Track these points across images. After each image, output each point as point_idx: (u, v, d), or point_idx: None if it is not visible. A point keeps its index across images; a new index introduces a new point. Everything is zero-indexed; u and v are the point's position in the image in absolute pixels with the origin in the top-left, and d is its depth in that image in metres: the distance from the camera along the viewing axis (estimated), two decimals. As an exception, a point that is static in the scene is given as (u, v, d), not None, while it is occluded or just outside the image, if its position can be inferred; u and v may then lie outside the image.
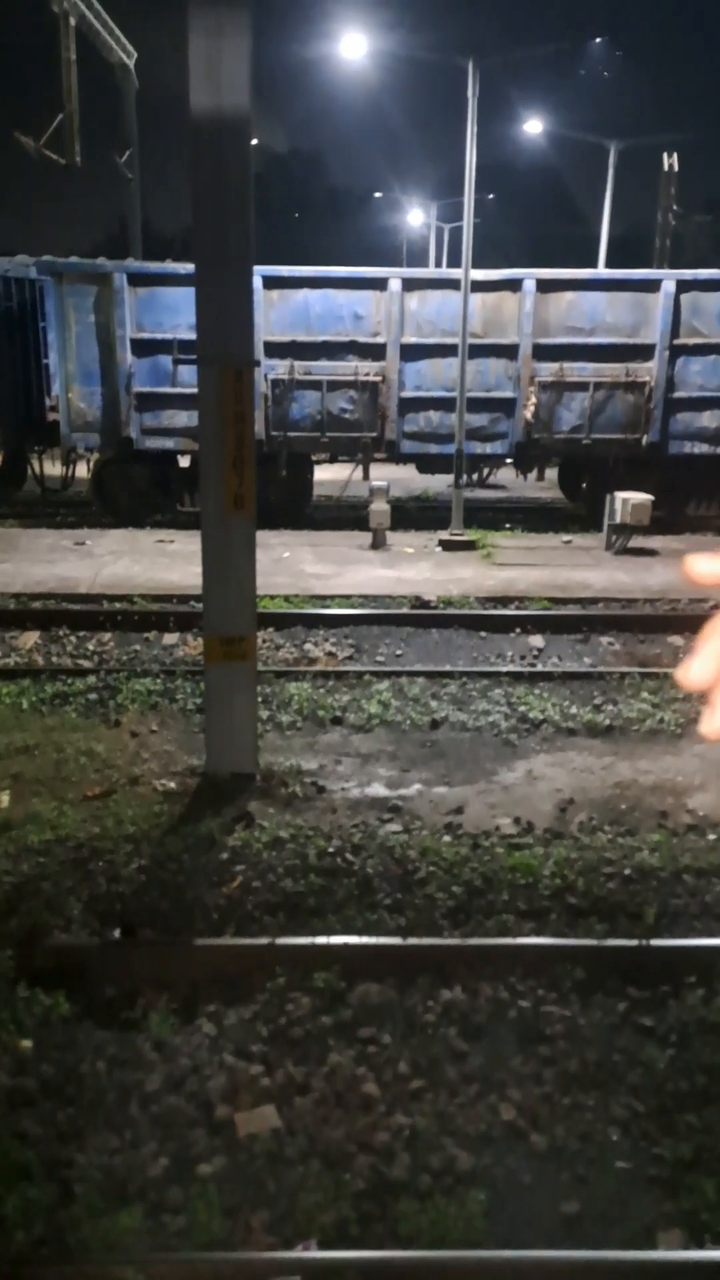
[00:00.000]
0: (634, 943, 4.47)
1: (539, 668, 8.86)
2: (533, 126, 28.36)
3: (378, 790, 6.31)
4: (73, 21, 17.58)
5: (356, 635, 9.64)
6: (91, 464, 15.56)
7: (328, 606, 10.32)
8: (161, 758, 6.72)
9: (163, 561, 12.11)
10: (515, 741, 7.16)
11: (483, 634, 9.80)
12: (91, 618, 9.88)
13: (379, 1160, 3.43)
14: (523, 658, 9.21)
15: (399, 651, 9.28)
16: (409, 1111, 3.64)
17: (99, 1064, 3.82)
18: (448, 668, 8.67)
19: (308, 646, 9.32)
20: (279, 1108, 3.65)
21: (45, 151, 17.31)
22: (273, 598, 10.34)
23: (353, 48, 16.69)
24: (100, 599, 10.51)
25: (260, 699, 7.32)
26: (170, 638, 9.56)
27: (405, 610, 10.33)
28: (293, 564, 12.18)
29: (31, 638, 9.44)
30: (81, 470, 16.26)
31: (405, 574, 11.84)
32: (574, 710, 7.70)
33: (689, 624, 9.88)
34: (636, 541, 13.23)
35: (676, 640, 9.60)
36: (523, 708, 7.72)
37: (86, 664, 8.76)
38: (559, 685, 8.35)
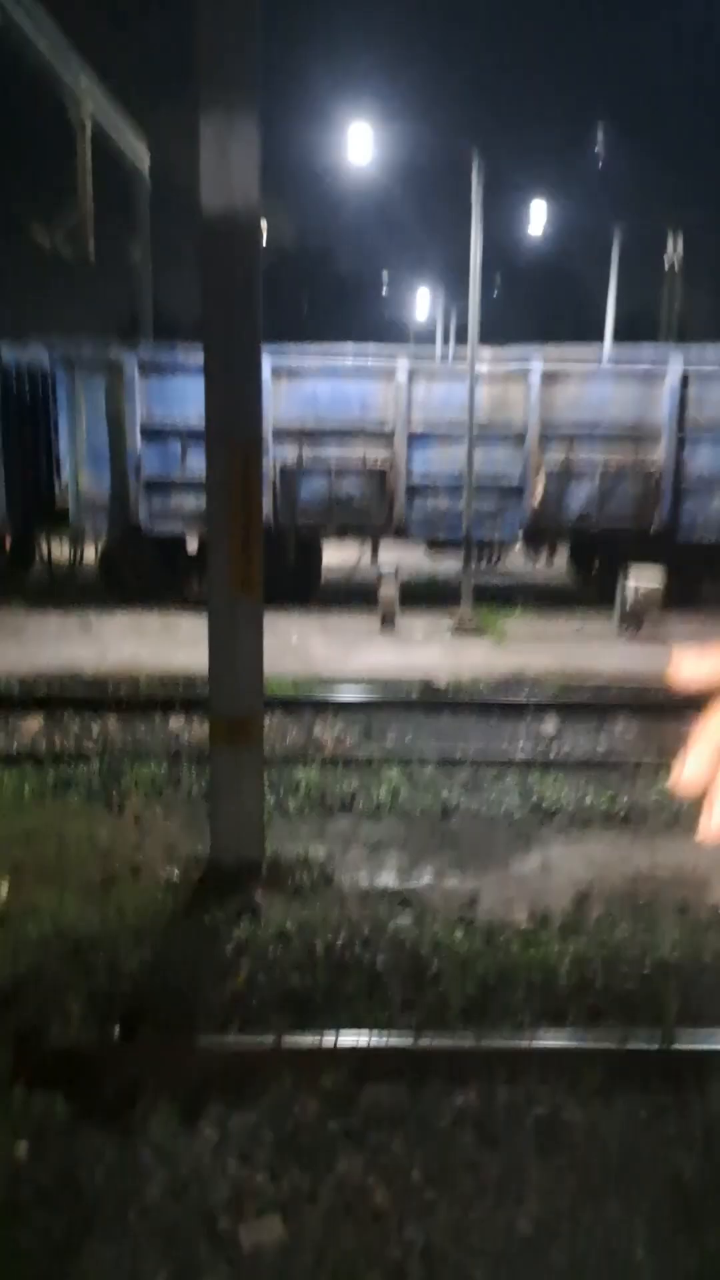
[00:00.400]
0: (656, 1046, 4.27)
1: (552, 754, 8.73)
2: (538, 209, 29.22)
3: (388, 880, 6.15)
4: (89, 128, 18.31)
5: (366, 719, 9.54)
6: (99, 547, 15.68)
7: (336, 690, 10.25)
8: (165, 845, 6.57)
9: (169, 644, 12.09)
10: (529, 830, 7.00)
11: (494, 719, 9.69)
12: (97, 701, 9.81)
13: (391, 1277, 3.21)
14: (535, 744, 9.09)
15: (409, 736, 9.16)
16: (422, 1224, 3.43)
17: (97, 1170, 3.63)
18: (459, 754, 8.55)
19: (316, 730, 9.21)
20: (285, 1218, 3.44)
21: (61, 249, 17.86)
22: (281, 681, 10.27)
23: (359, 147, 17.29)
24: (106, 682, 10.45)
25: (267, 784, 7.20)
26: (176, 721, 9.47)
27: (415, 695, 10.25)
28: (301, 647, 12.15)
29: (36, 723, 9.35)
30: (89, 553, 16.38)
31: (415, 658, 11.79)
32: (589, 799, 7.55)
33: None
34: (648, 624, 13.17)
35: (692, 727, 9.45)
36: (536, 795, 7.57)
37: (91, 747, 8.66)
38: (573, 772, 8.21)
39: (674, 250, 27.84)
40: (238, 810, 6.08)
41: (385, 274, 50.32)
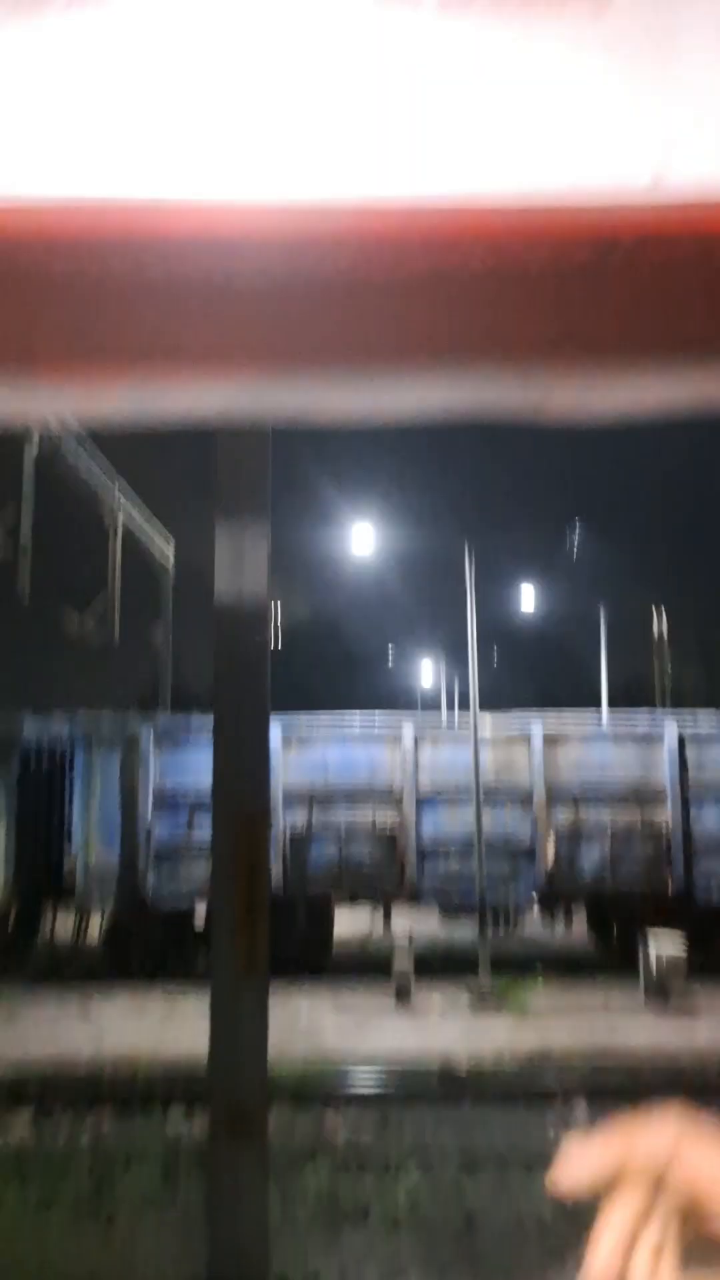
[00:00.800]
0: None
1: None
2: (528, 592, 31.52)
3: None
4: (120, 530, 20.36)
5: (381, 1110, 8.76)
6: (105, 922, 15.28)
7: (349, 1077, 9.51)
8: (156, 1267, 5.80)
9: (172, 1027, 11.40)
10: (564, 1243, 6.18)
11: (520, 1109, 8.89)
12: (90, 1093, 9.09)
13: None
14: (568, 1136, 8.26)
15: (429, 1131, 8.36)
16: None
17: None
18: (483, 1151, 7.76)
19: (326, 1124, 8.44)
20: None
21: (89, 633, 19.16)
22: (289, 1065, 9.57)
23: (362, 540, 19.15)
24: (101, 1073, 9.75)
25: (272, 1187, 6.48)
26: (175, 1116, 8.71)
27: (434, 1082, 9.49)
28: (312, 1025, 11.45)
29: (21, 1120, 8.61)
30: (94, 928, 15.94)
31: (432, 1036, 11.06)
32: (629, 1200, 6.74)
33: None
34: (676, 994, 12.47)
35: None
36: (571, 1200, 6.77)
37: (81, 1145, 7.89)
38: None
39: (659, 624, 29.75)
40: (239, 1221, 5.40)
41: (391, 647, 53.27)
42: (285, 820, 14.42)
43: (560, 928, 16.26)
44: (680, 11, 0.99)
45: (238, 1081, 5.57)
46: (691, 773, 14.41)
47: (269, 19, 1.00)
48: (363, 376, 1.02)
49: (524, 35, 0.98)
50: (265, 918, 5.79)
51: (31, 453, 16.31)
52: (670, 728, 14.73)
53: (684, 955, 12.23)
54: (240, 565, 6.06)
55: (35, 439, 16.37)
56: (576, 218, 0.95)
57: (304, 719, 15.12)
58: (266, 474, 6.34)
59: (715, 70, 0.98)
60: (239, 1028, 5.64)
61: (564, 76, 0.98)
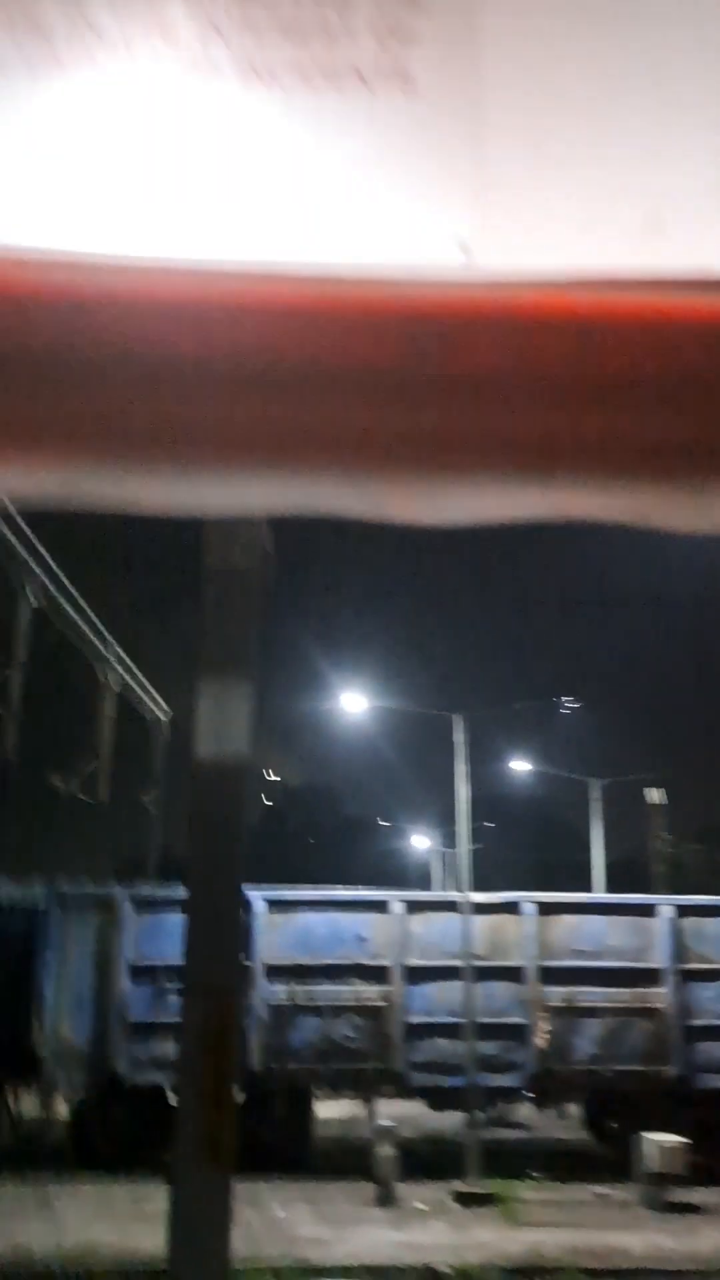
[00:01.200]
0: None
1: None
2: (520, 765, 31.30)
3: None
4: (114, 689, 20.44)
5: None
6: (73, 1103, 14.38)
7: (323, 1281, 8.75)
8: None
9: (138, 1226, 10.56)
10: None
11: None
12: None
13: None
14: None
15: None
16: None
17: None
18: None
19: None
20: None
21: (77, 792, 18.92)
22: (258, 1271, 8.82)
23: (353, 704, 19.26)
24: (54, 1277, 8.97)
25: None
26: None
27: (414, 1287, 8.75)
28: (286, 1225, 10.62)
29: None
30: (60, 1110, 15.00)
31: (416, 1237, 10.26)
32: None
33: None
34: (676, 1189, 11.66)
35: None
36: None
37: None
38: None
39: (652, 801, 29.54)
40: None
41: (383, 821, 52.62)
42: (265, 994, 13.82)
43: (555, 1118, 15.34)
44: (486, 91, 1.01)
45: (196, 1287, 5.12)
46: (689, 949, 13.96)
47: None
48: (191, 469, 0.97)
49: (331, 112, 1.01)
50: (232, 1104, 5.46)
51: (26, 613, 16.57)
52: (666, 904, 14.39)
53: (683, 1145, 11.50)
54: (222, 721, 6.04)
55: (30, 599, 16.67)
56: (386, 293, 0.92)
57: (289, 891, 14.70)
58: (253, 621, 6.41)
59: (522, 149, 1.00)
60: (199, 1223, 5.23)
61: (372, 154, 1.00)
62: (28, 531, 16.63)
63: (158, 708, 24.02)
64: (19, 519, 15.98)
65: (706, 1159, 13.00)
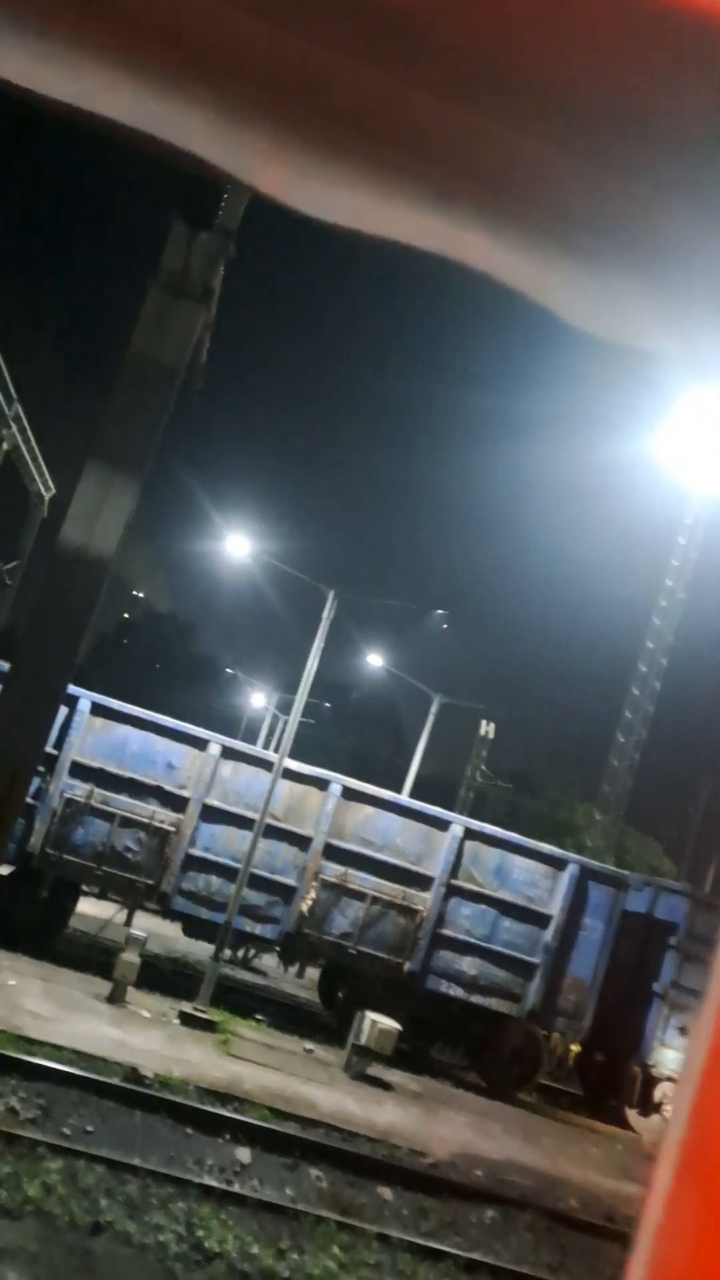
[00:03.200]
0: None
1: (235, 1187, 7.91)
2: (374, 659, 31.91)
3: (-6, 1298, 5.18)
4: (4, 446, 19.67)
5: (50, 1097, 8.50)
6: None
7: (31, 1054, 9.20)
8: None
9: None
10: (180, 1274, 6.14)
11: (189, 1130, 8.81)
12: None
13: None
14: (222, 1170, 8.24)
15: (90, 1127, 8.18)
16: None
17: None
18: (136, 1161, 7.64)
19: (-10, 1093, 8.14)
20: None
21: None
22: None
23: (237, 548, 19.11)
24: None
25: None
26: None
27: (115, 1081, 9.29)
28: (13, 995, 11.06)
29: None
30: None
31: (132, 1039, 10.85)
32: (256, 1250, 6.76)
33: (402, 1176, 9.17)
34: (376, 1069, 12.67)
35: (385, 1192, 8.82)
36: (201, 1232, 6.75)
37: None
38: (250, 1214, 7.41)
39: (483, 733, 30.60)
40: None
41: (231, 671, 52.86)
42: (65, 788, 14.02)
43: (294, 974, 16.27)
44: None
45: None
46: (463, 868, 14.78)
47: None
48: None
49: None
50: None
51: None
52: (459, 822, 15.13)
53: (396, 1030, 12.44)
54: (96, 513, 5.96)
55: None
56: None
57: (118, 703, 14.74)
58: (160, 420, 6.26)
59: None
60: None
61: None
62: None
63: (43, 483, 23.28)
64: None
65: (411, 1047, 14.15)
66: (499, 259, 1.10)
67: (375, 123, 1.10)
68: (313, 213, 1.11)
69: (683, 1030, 15.31)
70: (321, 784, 14.88)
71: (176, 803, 14.41)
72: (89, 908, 16.43)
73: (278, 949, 15.24)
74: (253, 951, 17.18)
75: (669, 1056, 15.25)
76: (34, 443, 21.41)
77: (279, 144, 1.10)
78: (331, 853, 14.62)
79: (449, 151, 1.10)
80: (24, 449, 21.08)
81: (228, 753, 14.77)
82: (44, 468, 22.75)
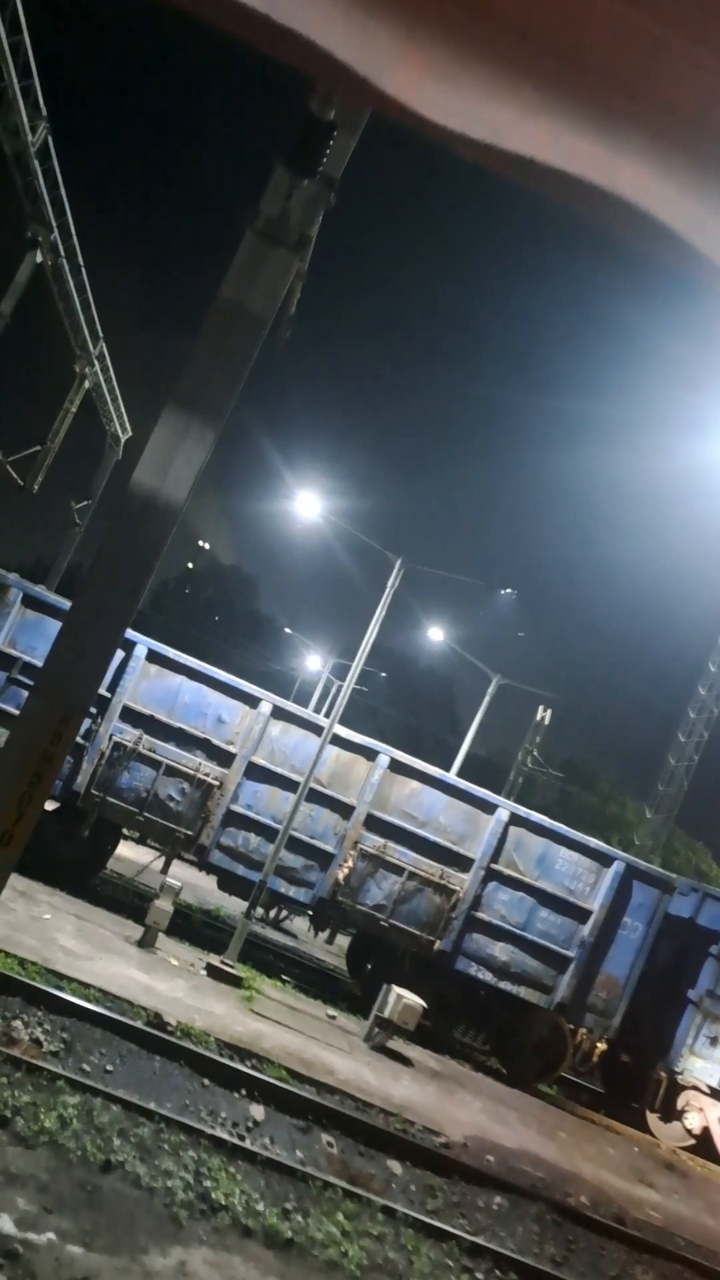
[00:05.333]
0: None
1: (246, 1143, 7.94)
2: (435, 633, 31.67)
3: (2, 1224, 5.24)
4: (86, 384, 19.71)
5: (74, 1032, 8.62)
6: None
7: (60, 988, 9.34)
8: None
9: None
10: (185, 1221, 6.17)
11: (206, 1081, 8.88)
12: None
13: None
14: (235, 1125, 8.29)
15: (110, 1067, 8.28)
16: None
17: None
18: (152, 1105, 7.71)
19: (15, 1024, 8.27)
20: None
21: (9, 469, 18.46)
22: (7, 956, 9.37)
23: (307, 507, 18.99)
24: None
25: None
26: None
27: (138, 1024, 9.40)
28: (48, 929, 11.24)
29: None
30: None
31: (158, 985, 10.97)
32: (261, 1206, 6.78)
33: (413, 1153, 9.16)
34: (397, 1043, 12.67)
35: (395, 1166, 8.81)
36: (210, 1183, 6.78)
37: None
38: (258, 1172, 7.43)
39: (539, 719, 30.24)
40: None
41: (289, 631, 52.96)
42: (114, 731, 14.16)
43: (324, 940, 16.33)
44: None
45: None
46: (505, 854, 14.64)
47: None
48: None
49: None
50: (40, 806, 5.61)
51: (29, 267, 15.53)
52: (506, 806, 14.95)
53: (418, 1010, 12.42)
54: (170, 460, 5.87)
55: (38, 254, 15.56)
56: None
57: (175, 652, 14.81)
58: (243, 370, 6.14)
59: None
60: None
61: None
62: (58, 174, 15.14)
63: (120, 424, 23.35)
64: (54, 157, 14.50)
65: (434, 1025, 14.13)
66: (658, 192, 0.97)
67: (532, 23, 0.96)
68: (444, 122, 0.98)
69: (714, 1040, 15.08)
70: (370, 754, 14.82)
71: (223, 757, 14.47)
72: (128, 851, 16.66)
73: (310, 913, 15.26)
74: (285, 913, 17.28)
75: (697, 1065, 15.03)
76: (115, 383, 21.44)
77: (415, 42, 0.97)
78: (373, 823, 14.58)
79: (616, 63, 0.96)
80: (104, 388, 21.13)
81: (278, 712, 14.77)
82: (123, 409, 22.81)
